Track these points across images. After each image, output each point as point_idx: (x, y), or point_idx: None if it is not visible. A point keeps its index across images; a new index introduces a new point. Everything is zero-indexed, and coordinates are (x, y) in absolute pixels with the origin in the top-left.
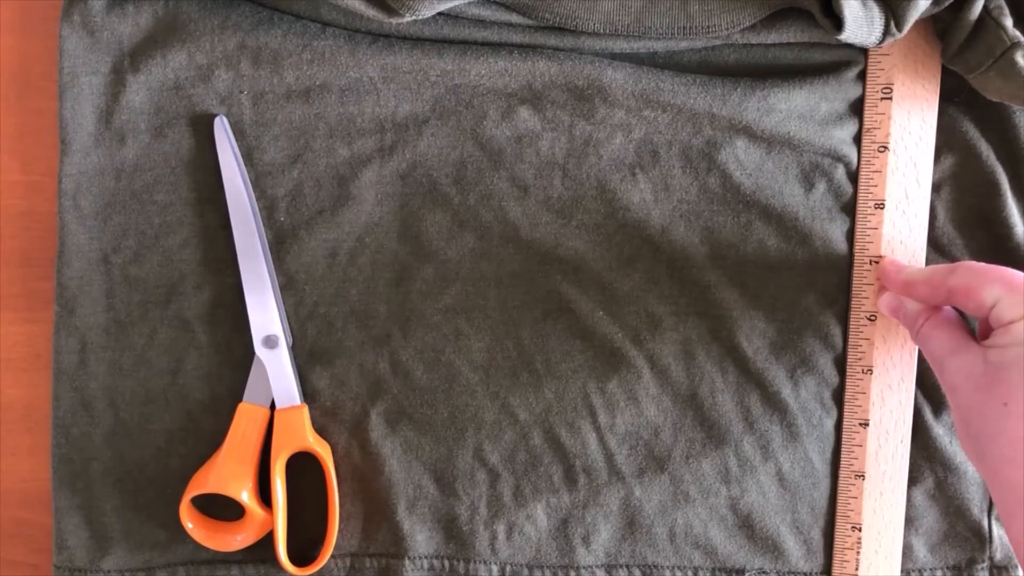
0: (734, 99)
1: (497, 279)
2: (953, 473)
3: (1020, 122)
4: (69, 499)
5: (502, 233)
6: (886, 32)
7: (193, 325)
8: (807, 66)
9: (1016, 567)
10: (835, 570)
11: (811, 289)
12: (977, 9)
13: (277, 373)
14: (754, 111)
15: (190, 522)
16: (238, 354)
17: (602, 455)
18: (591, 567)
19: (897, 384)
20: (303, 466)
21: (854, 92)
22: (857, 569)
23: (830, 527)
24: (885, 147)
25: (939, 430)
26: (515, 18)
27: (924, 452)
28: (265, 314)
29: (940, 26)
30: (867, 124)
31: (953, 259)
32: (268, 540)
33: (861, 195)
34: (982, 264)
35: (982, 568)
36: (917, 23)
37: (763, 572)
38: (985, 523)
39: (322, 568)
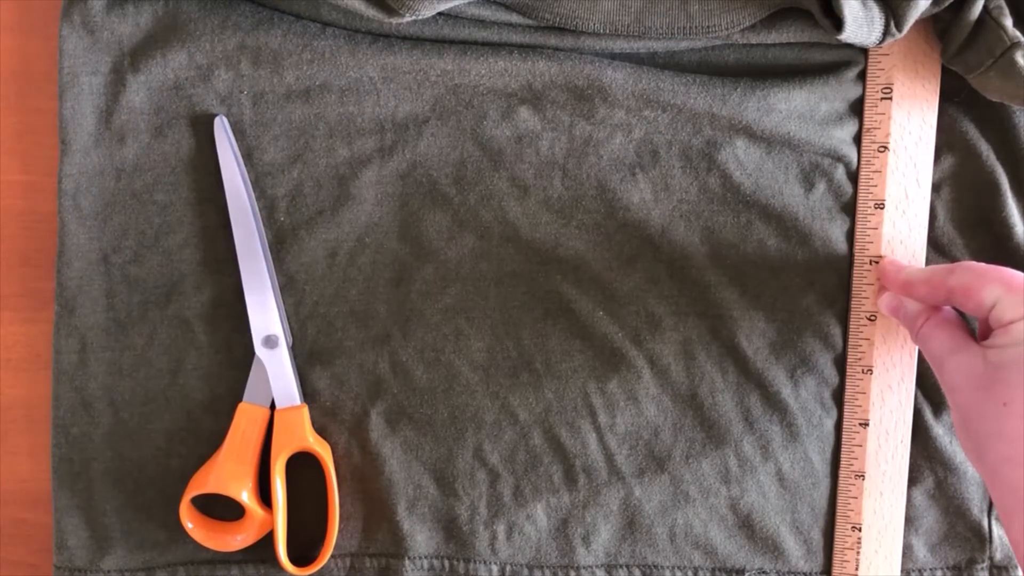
0: (734, 99)
1: (497, 279)
2: (953, 473)
3: (1020, 122)
4: (69, 499)
5: (502, 233)
6: (886, 32)
7: (193, 325)
8: (807, 66)
9: (1016, 567)
10: (835, 570)
11: (811, 289)
12: (977, 9)
13: (277, 373)
14: (754, 111)
15: (190, 522)
16: (238, 354)
17: (602, 455)
18: (591, 567)
19: (897, 384)
20: (303, 466)
21: (854, 92)
22: (857, 569)
23: (830, 527)
24: (885, 147)
25: (939, 430)
26: (515, 18)
27: (924, 452)
28: (265, 314)
29: (940, 26)
30: (867, 124)
31: (953, 259)
32: (268, 540)
33: (861, 195)
34: (982, 264)
35: (982, 568)
36: (917, 23)
37: (763, 572)
38: (985, 523)
39: (322, 568)
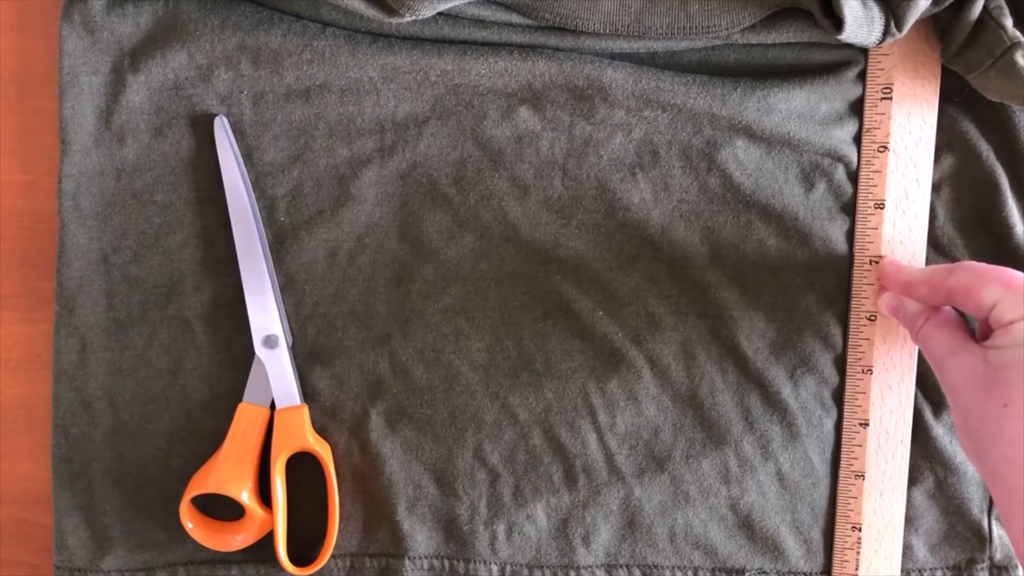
0: (734, 99)
1: (497, 279)
2: (953, 473)
3: (1020, 122)
4: (69, 499)
5: (502, 233)
6: (886, 32)
7: (193, 325)
8: (807, 66)
9: (1016, 567)
10: (835, 570)
11: (811, 289)
12: (977, 9)
13: (277, 373)
14: (754, 111)
15: (190, 522)
16: (238, 354)
17: (602, 455)
18: (591, 567)
19: (897, 384)
20: (303, 466)
21: (854, 92)
22: (857, 569)
23: (830, 527)
24: (885, 147)
25: (939, 430)
26: (515, 18)
27: (924, 452)
28: (265, 314)
29: (940, 26)
30: (867, 124)
31: (953, 259)
32: (268, 540)
33: (861, 195)
34: (982, 264)
35: (982, 568)
36: (917, 23)
37: (763, 572)
38: (985, 523)
39: (322, 568)
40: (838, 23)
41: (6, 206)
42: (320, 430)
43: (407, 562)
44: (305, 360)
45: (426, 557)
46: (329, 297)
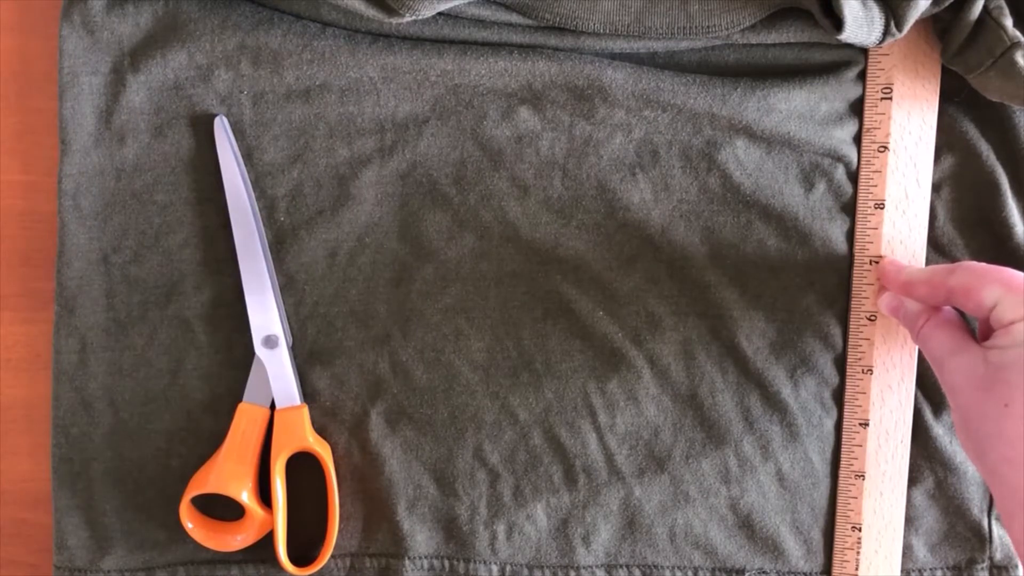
0: (734, 99)
1: (497, 279)
2: (953, 473)
3: (1020, 122)
4: (69, 499)
5: (502, 233)
6: (886, 32)
7: (193, 325)
8: (807, 66)
9: (1016, 567)
10: (835, 570)
11: (811, 289)
12: (977, 9)
13: (277, 373)
14: (754, 111)
15: (190, 522)
16: (238, 354)
17: (602, 455)
18: (591, 567)
19: (897, 384)
20: (303, 466)
21: (854, 92)
22: (857, 569)
23: (830, 527)
24: (885, 147)
25: (939, 430)
26: (515, 18)
27: (924, 452)
28: (265, 314)
29: (940, 26)
30: (867, 124)
31: (953, 259)
32: (268, 540)
33: (861, 195)
34: (982, 264)
35: (982, 568)
36: (917, 23)
37: (763, 572)
38: (985, 523)
39: (322, 568)
40: (838, 23)
41: (6, 206)
42: (320, 430)
43: (407, 562)
44: (305, 360)
45: (426, 557)
46: (329, 297)
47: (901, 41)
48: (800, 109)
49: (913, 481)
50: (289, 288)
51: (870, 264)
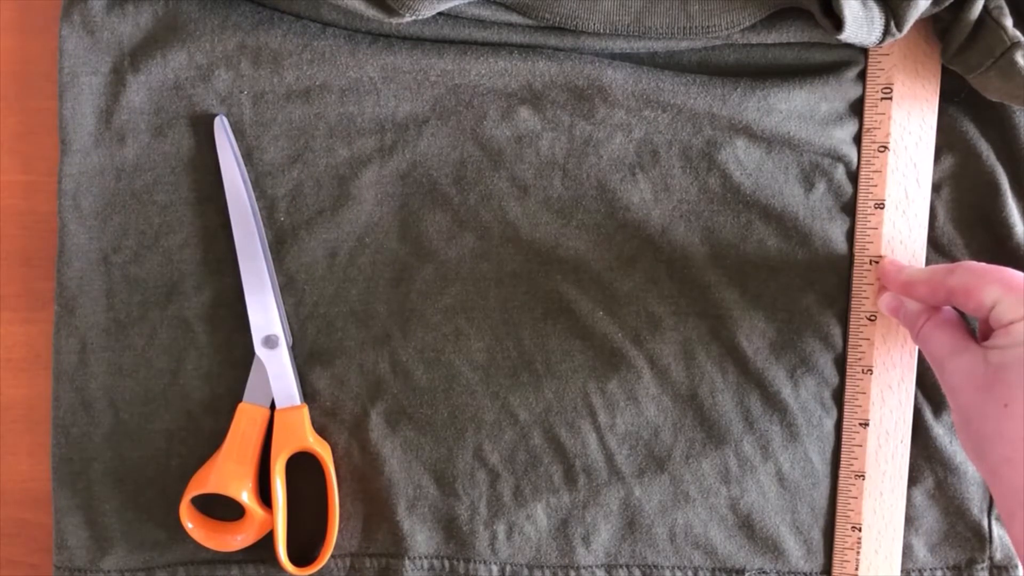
0: (734, 99)
1: (497, 279)
2: (953, 473)
3: (1020, 122)
4: (69, 499)
5: (502, 233)
6: (886, 32)
7: (193, 325)
8: (807, 66)
9: (1016, 567)
10: (835, 570)
11: (811, 289)
12: (977, 9)
13: (277, 373)
14: (754, 111)
15: (190, 522)
16: (238, 354)
17: (602, 455)
18: (591, 567)
19: (897, 384)
20: (303, 466)
21: (854, 92)
22: (857, 569)
23: (830, 527)
24: (885, 147)
25: (939, 430)
26: (515, 18)
27: (924, 452)
28: (265, 314)
29: (940, 26)
30: (867, 124)
31: (953, 259)
32: (268, 540)
33: (861, 195)
34: (982, 264)
35: (982, 568)
36: (917, 23)
37: (763, 572)
38: (985, 523)
39: (322, 568)
40: (838, 23)
41: (6, 206)
42: (320, 430)
43: (407, 562)
44: (305, 360)
45: (426, 557)
46: (329, 297)
47: (901, 41)
48: (800, 109)
49: (913, 481)
50: (289, 288)
51: (870, 264)
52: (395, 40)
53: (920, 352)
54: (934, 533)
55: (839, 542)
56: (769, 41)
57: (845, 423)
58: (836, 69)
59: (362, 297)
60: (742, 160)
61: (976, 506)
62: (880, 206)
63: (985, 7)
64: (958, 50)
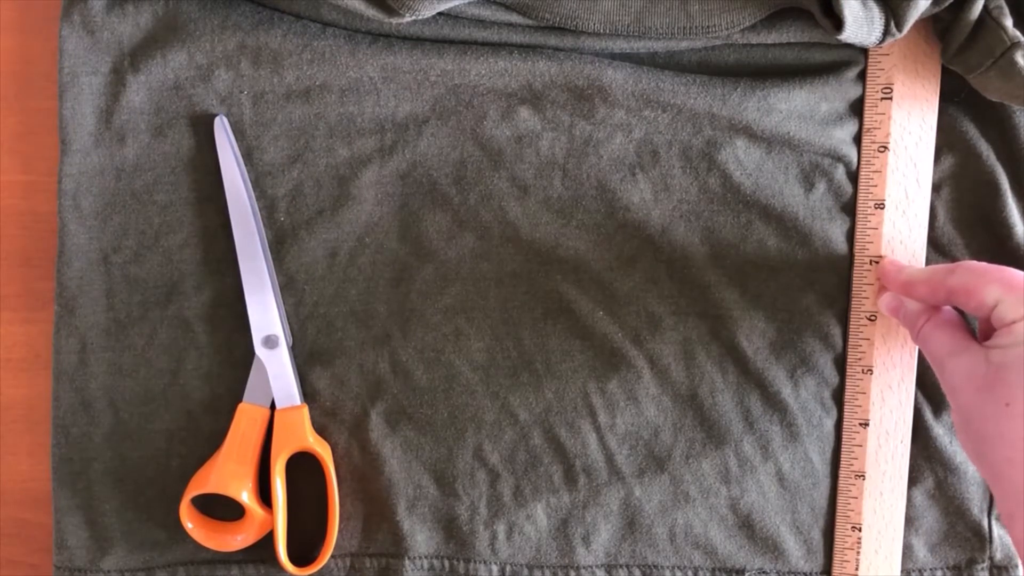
0: (734, 99)
1: (497, 279)
2: (953, 473)
3: (1020, 122)
4: (69, 499)
5: (502, 233)
6: (886, 32)
7: (193, 325)
8: (807, 66)
9: (1016, 567)
10: (835, 570)
11: (811, 289)
12: (977, 9)
13: (277, 373)
14: (754, 111)
15: (190, 522)
16: (238, 354)
17: (602, 455)
18: (591, 567)
19: (897, 384)
20: (303, 466)
21: (854, 92)
22: (857, 569)
23: (830, 527)
24: (885, 147)
25: (939, 430)
26: (515, 18)
27: (924, 452)
28: (265, 314)
29: (940, 26)
30: (867, 124)
31: (953, 259)
32: (268, 540)
33: (861, 195)
34: (982, 264)
35: (982, 568)
36: (917, 23)
37: (763, 572)
38: (985, 523)
39: (322, 568)
40: (838, 23)
41: (6, 206)
42: (320, 430)
43: (407, 562)
44: (305, 360)
45: (426, 557)
46: (329, 297)
47: (901, 41)
48: (800, 109)
49: (913, 481)
50: (289, 288)
51: (870, 264)
52: (395, 40)
53: (920, 352)
54: (934, 533)
55: (839, 542)
56: (769, 41)
57: (845, 423)
58: (836, 69)
59: (362, 297)
60: (742, 160)
61: (976, 506)
62: (880, 206)
63: (985, 7)
64: (958, 50)
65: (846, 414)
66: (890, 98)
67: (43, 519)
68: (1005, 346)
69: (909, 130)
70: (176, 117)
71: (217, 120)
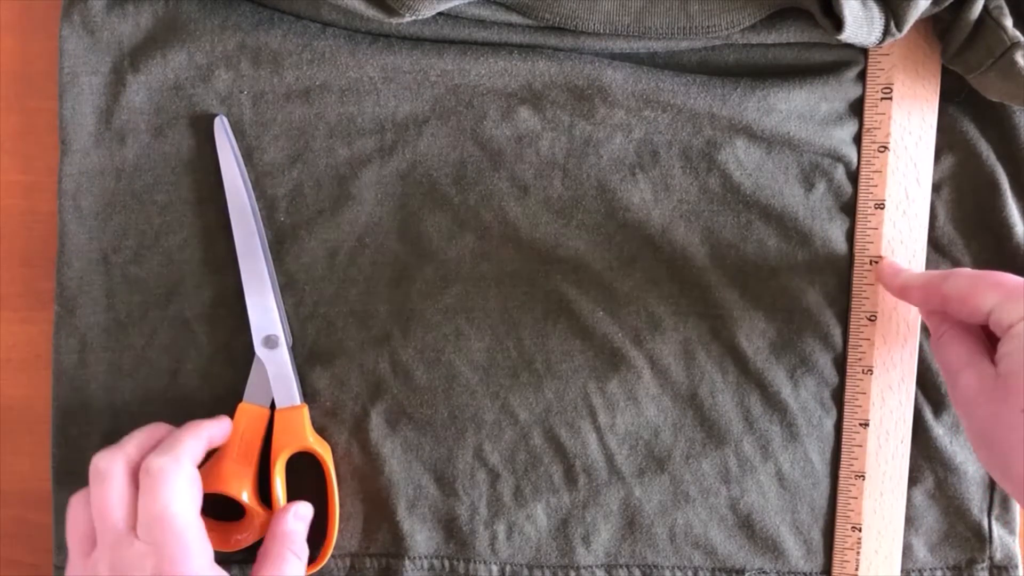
0: (734, 99)
1: (497, 279)
2: (953, 473)
3: (1020, 122)
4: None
5: (502, 233)
6: (886, 32)
7: (193, 325)
8: (807, 66)
9: (1017, 567)
10: (835, 570)
11: (811, 289)
12: (977, 9)
13: (277, 373)
14: (754, 111)
15: None
16: (238, 354)
17: (602, 455)
18: (591, 567)
19: (897, 384)
20: (303, 466)
21: (854, 92)
22: (857, 569)
23: (830, 527)
24: (885, 147)
25: (939, 430)
26: (515, 18)
27: (924, 452)
28: (265, 314)
29: (940, 26)
30: (867, 124)
31: (954, 259)
32: None
33: (861, 195)
34: (976, 270)
35: (982, 568)
36: (917, 23)
37: (763, 572)
38: (985, 523)
39: (322, 568)
40: (838, 23)
41: (6, 206)
42: (320, 430)
43: (407, 562)
44: (305, 360)
45: (426, 557)
46: (329, 297)
47: (901, 41)
48: (800, 109)
49: (913, 481)
50: (289, 288)
51: (870, 264)
52: (395, 40)
53: (920, 352)
54: (934, 533)
55: (839, 542)
56: (769, 41)
57: (845, 423)
58: (836, 69)
59: (362, 297)
60: (742, 160)
61: (976, 506)
62: (880, 206)
63: (985, 7)
64: (958, 50)
65: (846, 414)
66: (890, 98)
67: (43, 519)
68: (1010, 352)
69: (909, 130)
70: (176, 117)
71: (217, 120)
